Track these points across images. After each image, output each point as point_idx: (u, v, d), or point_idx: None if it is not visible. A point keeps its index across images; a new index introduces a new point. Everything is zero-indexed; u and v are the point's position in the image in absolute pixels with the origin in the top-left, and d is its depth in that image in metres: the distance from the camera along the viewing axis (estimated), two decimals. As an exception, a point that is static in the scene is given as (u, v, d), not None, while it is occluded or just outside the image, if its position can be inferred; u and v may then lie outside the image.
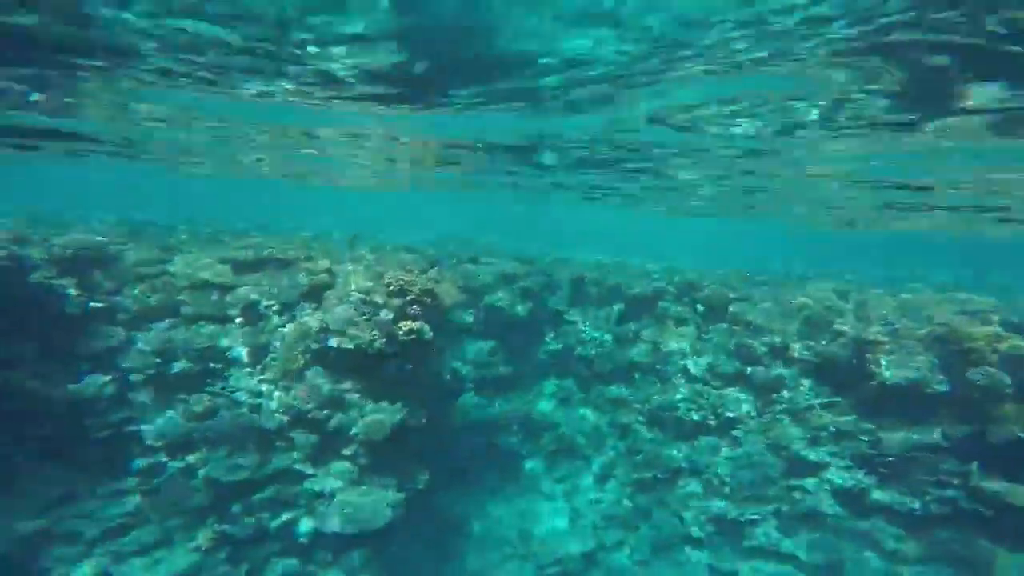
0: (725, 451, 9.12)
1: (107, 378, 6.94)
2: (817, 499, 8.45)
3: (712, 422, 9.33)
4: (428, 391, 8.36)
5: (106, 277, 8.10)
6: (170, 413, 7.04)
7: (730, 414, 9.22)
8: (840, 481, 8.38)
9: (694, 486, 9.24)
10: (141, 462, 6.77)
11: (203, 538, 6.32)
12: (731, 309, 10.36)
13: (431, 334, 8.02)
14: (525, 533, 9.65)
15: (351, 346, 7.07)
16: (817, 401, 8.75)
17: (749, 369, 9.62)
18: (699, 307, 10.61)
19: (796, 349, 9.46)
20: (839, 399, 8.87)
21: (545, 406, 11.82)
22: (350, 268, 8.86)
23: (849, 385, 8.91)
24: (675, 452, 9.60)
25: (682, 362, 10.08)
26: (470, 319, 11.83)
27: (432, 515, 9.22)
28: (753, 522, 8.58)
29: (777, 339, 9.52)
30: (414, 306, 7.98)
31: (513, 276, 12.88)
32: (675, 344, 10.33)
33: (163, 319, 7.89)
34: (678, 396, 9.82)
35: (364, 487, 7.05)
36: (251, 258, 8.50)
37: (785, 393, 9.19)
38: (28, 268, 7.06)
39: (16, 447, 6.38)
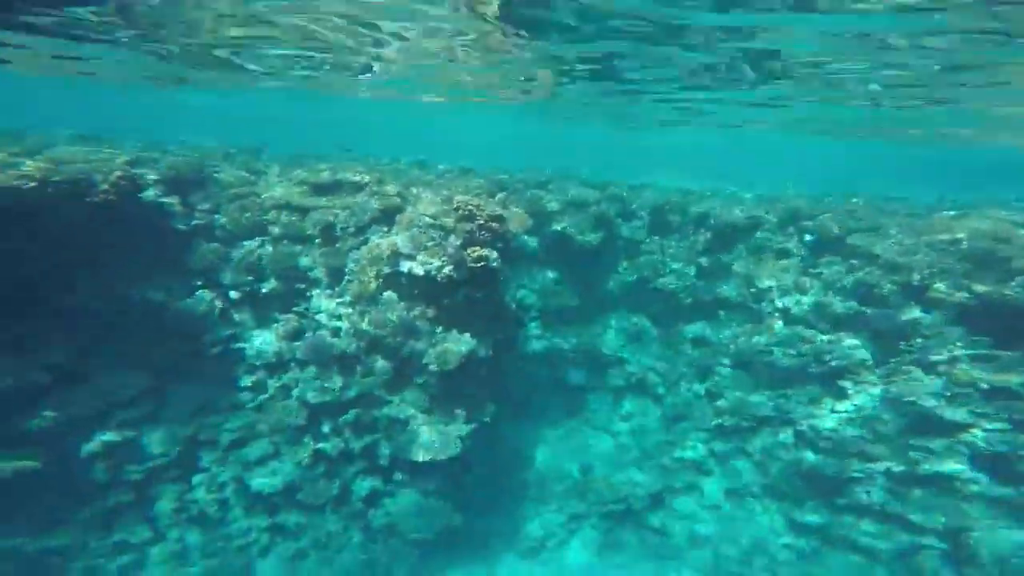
0: (828, 403, 8.20)
1: (213, 295, 7.71)
2: (945, 462, 7.27)
3: (814, 369, 8.33)
4: (495, 321, 8.38)
5: (204, 196, 8.75)
6: (265, 333, 7.77)
7: (838, 362, 8.11)
8: (984, 445, 7.08)
9: (784, 436, 8.51)
10: (247, 379, 7.66)
11: (302, 455, 7.19)
12: (851, 240, 8.82)
13: (499, 262, 7.82)
14: (587, 468, 9.87)
15: (421, 272, 7.11)
16: (965, 352, 7.34)
17: (869, 311, 8.26)
18: (807, 237, 9.20)
19: (941, 290, 7.90)
20: (1007, 352, 7.30)
21: (614, 340, 11.52)
22: (418, 192, 8.73)
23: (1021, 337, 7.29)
24: (763, 399, 8.83)
25: (780, 300, 8.97)
26: (536, 245, 11.43)
27: (497, 445, 9.69)
28: (855, 480, 7.76)
29: (915, 276, 8.00)
30: (482, 232, 7.75)
31: (584, 202, 12.05)
32: (772, 280, 9.15)
33: (253, 237, 8.48)
34: (772, 338, 8.86)
35: (435, 416, 7.45)
36: (327, 181, 8.65)
37: (918, 341, 7.79)
38: (142, 187, 7.76)
39: (161, 358, 7.47)
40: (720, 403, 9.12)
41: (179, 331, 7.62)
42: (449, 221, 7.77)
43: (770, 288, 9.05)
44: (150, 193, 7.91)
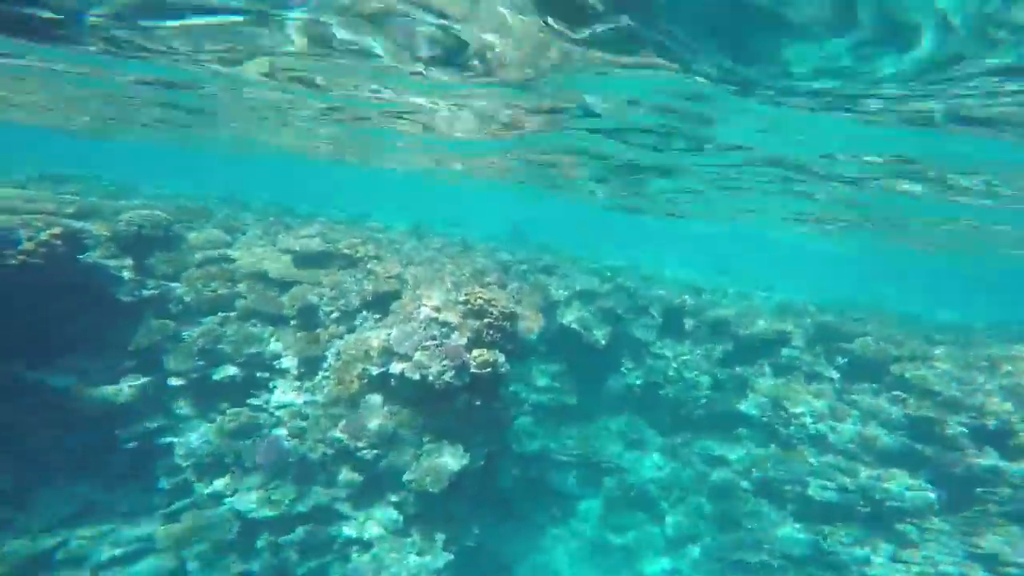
0: (886, 548, 6.94)
1: (145, 380, 6.19)
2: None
3: (863, 508, 7.19)
4: (491, 427, 7.05)
5: (166, 260, 7.45)
6: (205, 427, 6.20)
7: (894, 502, 7.03)
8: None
9: None
10: (166, 482, 5.97)
11: None
12: (896, 370, 8.09)
13: (507, 367, 6.68)
14: None
15: (416, 376, 5.86)
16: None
17: (927, 450, 7.37)
18: (839, 360, 8.48)
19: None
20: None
21: (612, 446, 10.22)
22: (419, 274, 7.71)
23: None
24: (796, 534, 7.54)
25: (815, 426, 8.01)
26: (536, 337, 10.39)
27: (475, 553, 7.96)
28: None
29: (991, 421, 7.20)
30: (491, 331, 6.67)
31: (592, 293, 11.32)
32: (803, 404, 8.27)
33: (215, 312, 7.12)
34: (805, 467, 7.80)
35: (409, 540, 5.85)
36: (315, 251, 7.56)
37: (1007, 491, 6.89)
38: (85, 246, 6.44)
39: (47, 452, 5.76)
40: (741, 534, 7.70)
41: (88, 422, 5.95)
42: (454, 316, 6.68)
43: (801, 413, 8.11)
44: (93, 255, 6.59)
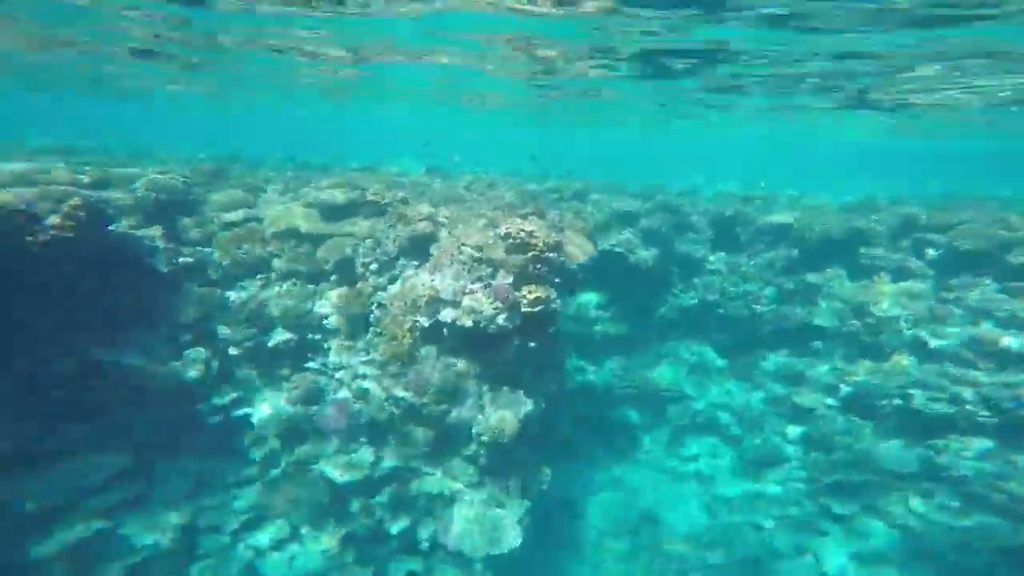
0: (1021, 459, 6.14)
1: (207, 353, 6.19)
2: None
3: (986, 419, 6.36)
4: (547, 369, 6.86)
5: (193, 224, 7.20)
6: (274, 396, 6.27)
7: None
8: None
9: (943, 496, 6.35)
10: (256, 453, 6.18)
11: (328, 541, 5.71)
12: (1016, 258, 7.06)
13: (559, 302, 6.30)
14: (650, 518, 8.35)
15: (468, 323, 5.57)
16: None
17: None
18: (931, 252, 7.49)
19: None
20: None
21: (670, 373, 10.00)
22: (453, 213, 7.17)
23: None
24: (903, 451, 6.94)
25: (911, 331, 7.22)
26: (585, 263, 9.90)
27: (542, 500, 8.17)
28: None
29: None
30: (538, 265, 6.20)
31: (632, 214, 10.52)
32: (895, 306, 7.35)
33: (254, 275, 6.95)
34: (905, 378, 7.03)
35: (485, 492, 5.95)
36: (341, 202, 7.10)
37: None
38: (109, 217, 6.21)
39: (141, 431, 5.99)
40: (836, 455, 7.29)
41: (165, 399, 6.11)
42: (497, 253, 6.21)
43: (894, 317, 7.31)
44: (121, 225, 6.38)
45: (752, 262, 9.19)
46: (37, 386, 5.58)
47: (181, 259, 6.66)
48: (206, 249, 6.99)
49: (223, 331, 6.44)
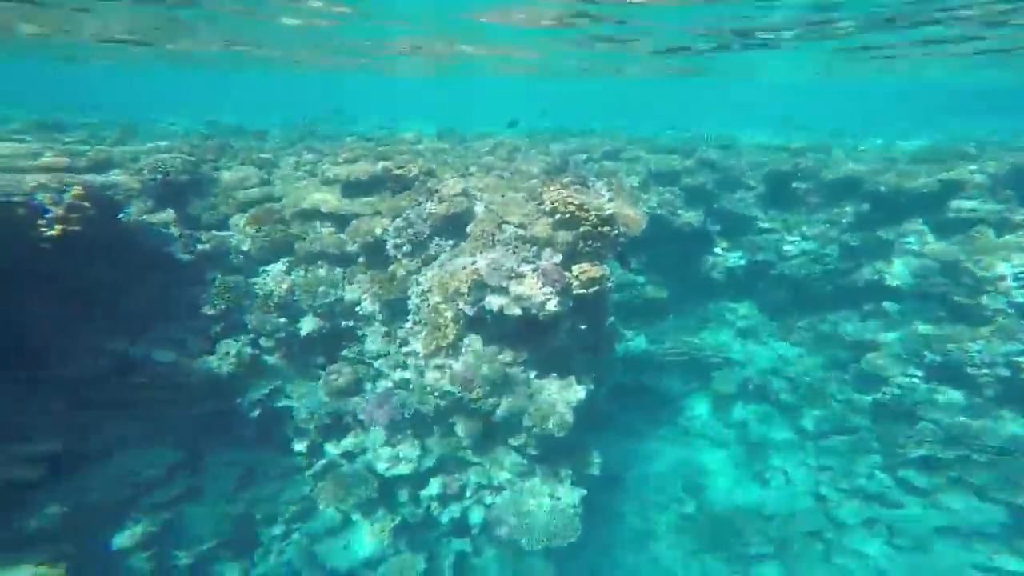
0: None
1: (238, 345, 5.85)
2: None
3: None
4: (597, 350, 6.39)
5: (207, 208, 6.65)
6: (311, 386, 5.96)
7: None
8: None
9: None
10: (300, 445, 5.96)
11: (380, 528, 5.58)
12: None
13: (612, 280, 5.72)
14: (694, 487, 8.14)
15: (517, 311, 5.06)
16: None
17: None
18: None
19: None
20: None
21: (716, 337, 9.49)
22: (484, 184, 6.47)
23: None
24: (1010, 425, 6.35)
25: (1021, 290, 6.43)
26: (639, 236, 9.20)
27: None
28: None
29: None
30: (590, 241, 5.58)
31: (671, 173, 9.62)
32: (1001, 263, 6.48)
33: (277, 259, 6.46)
34: (1015, 343, 6.31)
35: (539, 482, 5.70)
36: (362, 176, 6.43)
37: None
38: (118, 204, 5.68)
39: (192, 429, 5.80)
40: (920, 426, 6.66)
41: (201, 393, 5.87)
42: (542, 229, 5.58)
43: (997, 276, 6.45)
44: (131, 212, 5.86)
45: (812, 218, 8.35)
46: (73, 386, 5.35)
47: (200, 246, 6.18)
48: (224, 233, 6.48)
49: (253, 322, 6.06)
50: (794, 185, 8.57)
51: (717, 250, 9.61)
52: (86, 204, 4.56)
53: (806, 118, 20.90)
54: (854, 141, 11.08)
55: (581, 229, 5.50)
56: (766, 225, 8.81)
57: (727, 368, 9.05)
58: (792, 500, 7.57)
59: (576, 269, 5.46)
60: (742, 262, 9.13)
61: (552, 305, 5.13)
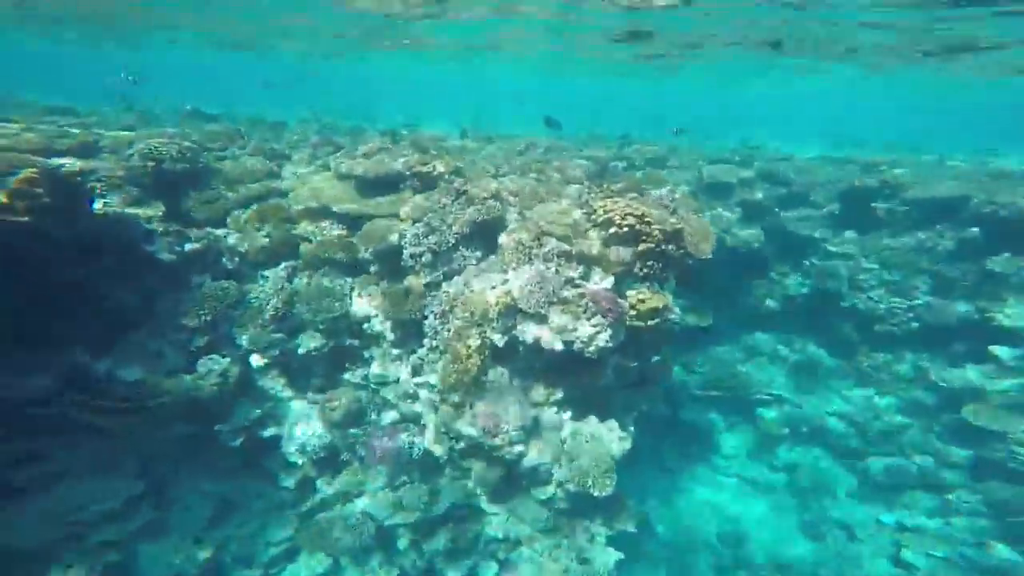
0: None
1: (224, 362, 4.96)
2: None
3: None
4: (649, 389, 5.34)
5: (203, 202, 5.84)
6: (307, 413, 5.05)
7: None
8: None
9: None
10: (289, 480, 5.05)
11: None
12: None
13: (677, 312, 4.70)
14: (737, 542, 6.95)
15: (558, 347, 4.07)
16: None
17: None
18: None
19: None
20: None
21: (765, 372, 8.35)
22: (521, 188, 5.51)
23: None
24: None
25: None
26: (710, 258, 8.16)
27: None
28: None
29: None
30: (650, 261, 4.57)
31: (725, 185, 8.57)
32: None
33: (278, 263, 5.60)
34: None
35: (566, 542, 4.66)
36: (382, 173, 5.54)
37: None
38: (89, 193, 4.88)
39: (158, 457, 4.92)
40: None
41: (174, 416, 4.99)
42: (592, 245, 4.60)
43: None
44: (112, 202, 5.06)
45: (900, 243, 7.18)
46: (15, 407, 4.51)
47: (188, 246, 5.34)
48: (219, 231, 5.65)
49: (244, 336, 5.18)
50: (874, 204, 7.41)
51: (773, 274, 8.49)
52: (38, 191, 3.75)
53: (850, 130, 19.50)
54: (932, 157, 9.85)
55: (641, 247, 4.50)
56: (835, 249, 7.66)
57: (778, 405, 7.92)
58: (857, 562, 6.40)
59: (632, 296, 4.45)
60: (804, 290, 7.99)
61: (603, 340, 4.13)
